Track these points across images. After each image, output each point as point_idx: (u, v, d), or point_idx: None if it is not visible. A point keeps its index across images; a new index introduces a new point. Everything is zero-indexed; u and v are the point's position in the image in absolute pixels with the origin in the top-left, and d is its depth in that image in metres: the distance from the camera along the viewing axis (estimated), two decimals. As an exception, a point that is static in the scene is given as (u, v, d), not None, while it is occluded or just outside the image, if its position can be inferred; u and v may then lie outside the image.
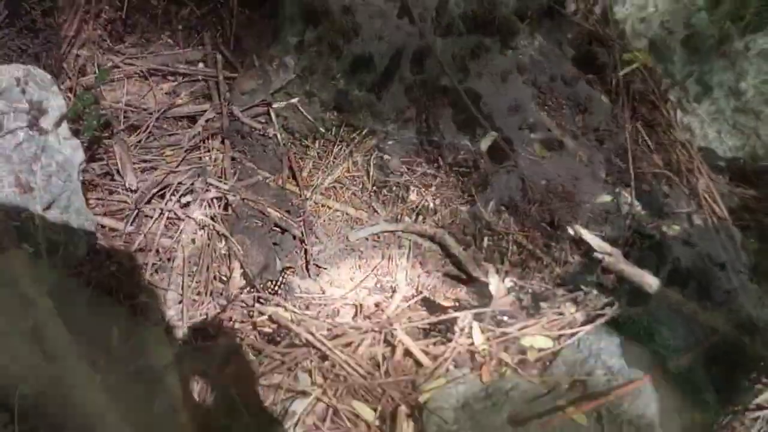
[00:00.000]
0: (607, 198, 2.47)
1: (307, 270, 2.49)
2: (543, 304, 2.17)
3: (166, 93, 2.80)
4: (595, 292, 2.17)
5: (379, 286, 2.48)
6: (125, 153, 2.56)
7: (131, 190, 2.49)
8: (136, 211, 2.43)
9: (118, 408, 1.96)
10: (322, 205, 2.64)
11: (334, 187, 2.69)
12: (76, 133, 2.38)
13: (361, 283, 2.47)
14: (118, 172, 2.53)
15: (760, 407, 1.99)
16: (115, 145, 2.57)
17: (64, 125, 2.14)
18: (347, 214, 2.63)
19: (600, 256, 2.00)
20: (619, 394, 1.89)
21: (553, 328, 2.10)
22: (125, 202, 2.48)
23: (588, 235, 2.05)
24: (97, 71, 2.59)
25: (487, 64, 2.72)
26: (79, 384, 1.44)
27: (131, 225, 2.40)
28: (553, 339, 2.06)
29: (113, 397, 2.02)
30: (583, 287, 2.19)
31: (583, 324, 2.09)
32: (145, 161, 2.58)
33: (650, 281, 2.05)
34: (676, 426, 1.88)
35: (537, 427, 1.86)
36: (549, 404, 1.93)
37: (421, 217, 2.64)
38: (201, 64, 2.91)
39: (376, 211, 2.65)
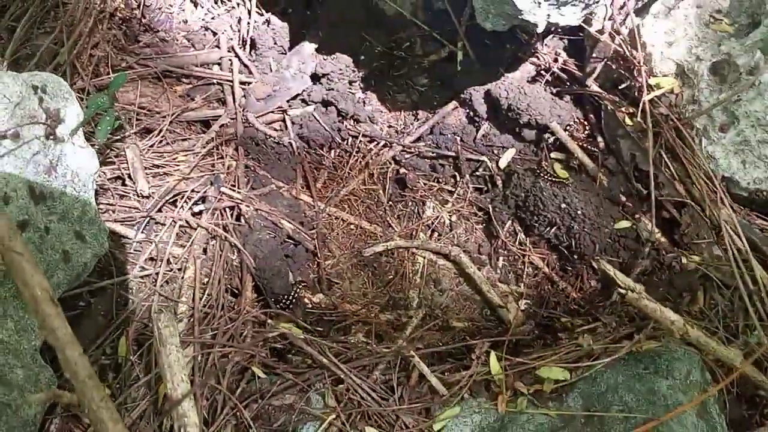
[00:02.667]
0: (626, 224, 2.44)
1: (320, 284, 2.46)
2: (560, 334, 2.14)
3: (179, 96, 2.74)
4: (613, 323, 2.14)
5: (391, 303, 2.45)
6: (137, 157, 2.51)
7: (143, 196, 2.45)
8: (147, 218, 2.39)
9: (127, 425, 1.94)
10: (336, 218, 2.60)
11: (349, 199, 2.65)
12: (89, 136, 2.33)
13: (374, 299, 2.44)
14: (129, 176, 2.48)
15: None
16: (127, 149, 2.52)
17: (80, 132, 2.08)
18: (361, 228, 2.59)
19: (623, 291, 1.97)
20: (636, 433, 1.86)
21: (570, 360, 2.06)
22: (136, 208, 2.43)
23: (610, 269, 2.02)
24: (112, 76, 2.53)
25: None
26: (100, 414, 1.40)
27: (142, 233, 2.36)
28: (569, 371, 2.03)
29: (122, 414, 1.99)
30: (601, 318, 2.16)
31: (601, 356, 2.06)
32: (157, 166, 2.53)
33: (671, 317, 2.01)
34: (692, 466, 1.86)
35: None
36: (564, 438, 1.91)
37: (436, 234, 2.60)
38: (216, 67, 2.84)
39: (391, 226, 2.61)
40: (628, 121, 2.53)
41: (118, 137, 2.55)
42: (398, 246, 2.55)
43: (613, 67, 2.62)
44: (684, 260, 2.33)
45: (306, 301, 2.41)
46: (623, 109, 2.55)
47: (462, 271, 2.53)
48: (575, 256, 2.47)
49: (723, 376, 2.05)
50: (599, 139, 2.62)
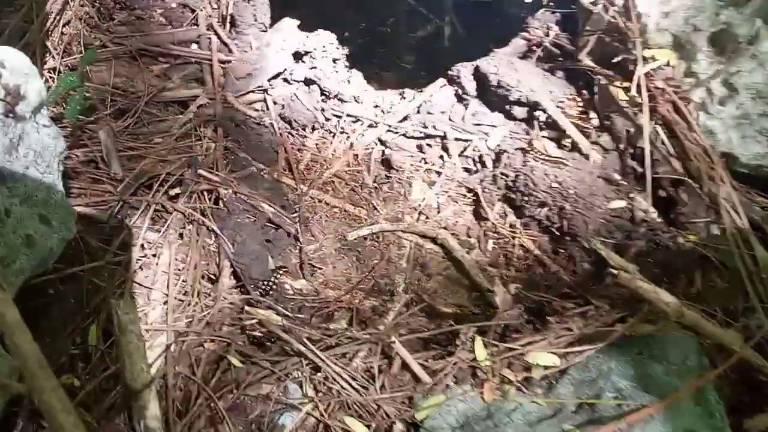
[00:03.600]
0: (621, 203, 2.34)
1: (302, 270, 2.36)
2: (550, 318, 2.05)
3: (156, 76, 2.64)
4: (606, 306, 2.04)
5: (376, 288, 2.35)
6: (111, 139, 2.42)
7: (116, 180, 2.36)
8: (121, 202, 2.30)
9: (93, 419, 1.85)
10: (319, 201, 2.50)
11: (333, 181, 2.55)
12: (59, 117, 2.23)
13: (358, 285, 2.34)
14: (102, 159, 2.40)
15: (773, 431, 1.89)
16: (100, 130, 2.42)
17: (44, 111, 1.98)
18: (345, 211, 2.49)
19: (615, 271, 1.87)
20: (629, 421, 1.77)
21: (561, 345, 1.97)
22: (109, 192, 2.34)
23: (603, 249, 1.92)
24: (83, 51, 2.43)
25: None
26: (50, 404, 1.31)
27: (115, 217, 2.27)
28: (560, 356, 1.94)
29: (91, 406, 1.91)
30: (593, 301, 2.06)
31: (593, 341, 1.96)
32: (131, 149, 2.44)
33: (666, 299, 1.91)
34: (688, 455, 1.77)
35: (541, 452, 1.74)
36: (554, 428, 1.82)
37: (423, 217, 2.50)
38: (194, 46, 2.75)
39: (376, 209, 2.52)
40: (622, 96, 2.42)
41: (92, 119, 2.45)
42: (384, 229, 2.46)
43: (607, 40, 2.52)
44: (681, 240, 2.22)
45: (287, 287, 2.31)
46: (617, 83, 2.45)
47: (450, 254, 2.43)
48: (567, 238, 2.37)
49: (722, 360, 1.95)
50: (592, 115, 2.51)
